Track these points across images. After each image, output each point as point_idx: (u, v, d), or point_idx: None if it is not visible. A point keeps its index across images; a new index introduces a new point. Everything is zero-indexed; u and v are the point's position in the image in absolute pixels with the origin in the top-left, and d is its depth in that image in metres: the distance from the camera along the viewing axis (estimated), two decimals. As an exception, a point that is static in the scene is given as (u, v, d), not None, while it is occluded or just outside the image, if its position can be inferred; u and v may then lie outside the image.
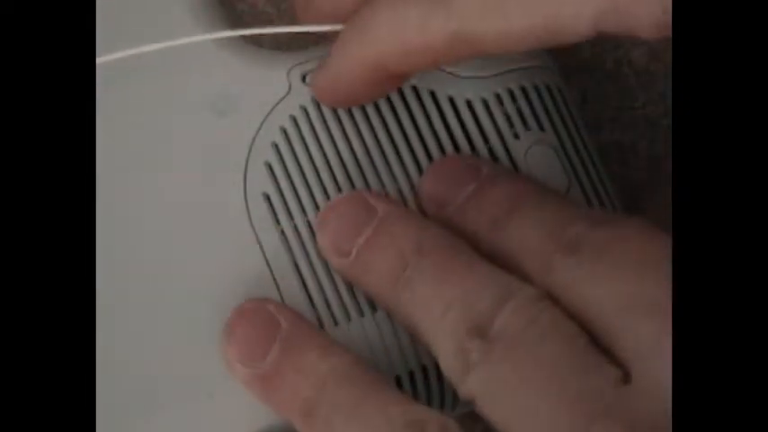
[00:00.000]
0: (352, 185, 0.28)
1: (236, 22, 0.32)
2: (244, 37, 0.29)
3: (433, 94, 0.28)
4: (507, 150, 0.28)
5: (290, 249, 0.28)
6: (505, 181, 0.27)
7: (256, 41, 0.30)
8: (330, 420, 0.25)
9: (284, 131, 0.28)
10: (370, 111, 0.28)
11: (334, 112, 0.28)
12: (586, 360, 0.24)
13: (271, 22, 0.34)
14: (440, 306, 0.25)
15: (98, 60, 0.27)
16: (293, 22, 0.29)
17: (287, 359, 0.26)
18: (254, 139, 0.28)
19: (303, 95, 0.28)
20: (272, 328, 0.26)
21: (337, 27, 0.27)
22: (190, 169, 0.28)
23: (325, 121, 0.28)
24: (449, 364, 0.25)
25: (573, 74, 0.34)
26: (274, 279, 0.28)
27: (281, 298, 0.27)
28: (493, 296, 0.25)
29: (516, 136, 0.28)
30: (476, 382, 0.24)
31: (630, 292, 0.24)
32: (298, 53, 0.29)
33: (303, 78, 0.29)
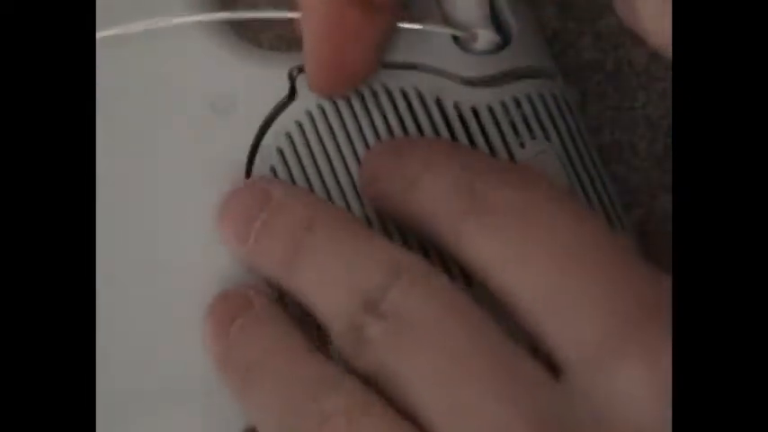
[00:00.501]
0: (356, 192, 0.28)
1: (236, 22, 0.32)
2: (243, 37, 0.29)
3: (438, 102, 0.28)
4: (512, 159, 0.28)
5: None
6: (420, 140, 0.27)
7: (256, 41, 0.30)
8: (315, 262, 0.25)
9: (290, 137, 0.28)
10: (376, 117, 0.28)
11: (340, 118, 0.28)
12: (498, 351, 0.23)
13: (270, 22, 0.34)
14: (331, 283, 0.25)
15: (97, 58, 0.27)
16: (293, 21, 0.29)
17: (275, 218, 0.26)
18: (259, 142, 0.28)
19: (310, 100, 0.28)
20: (264, 200, 0.27)
21: None
22: (189, 169, 0.28)
23: (331, 128, 0.28)
24: (341, 342, 0.24)
25: (573, 74, 0.34)
26: None
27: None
28: (383, 271, 0.24)
29: (522, 145, 0.28)
30: (371, 359, 0.24)
31: (561, 283, 0.23)
32: (298, 53, 0.29)
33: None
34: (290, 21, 0.29)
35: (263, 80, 0.29)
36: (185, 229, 0.28)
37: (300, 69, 0.28)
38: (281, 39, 0.31)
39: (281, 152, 0.28)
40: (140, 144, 0.28)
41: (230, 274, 0.28)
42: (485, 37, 0.29)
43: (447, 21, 0.29)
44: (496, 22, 0.30)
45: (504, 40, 0.30)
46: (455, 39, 0.29)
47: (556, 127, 0.29)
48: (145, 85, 0.29)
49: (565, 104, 0.30)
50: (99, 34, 0.27)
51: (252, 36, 0.30)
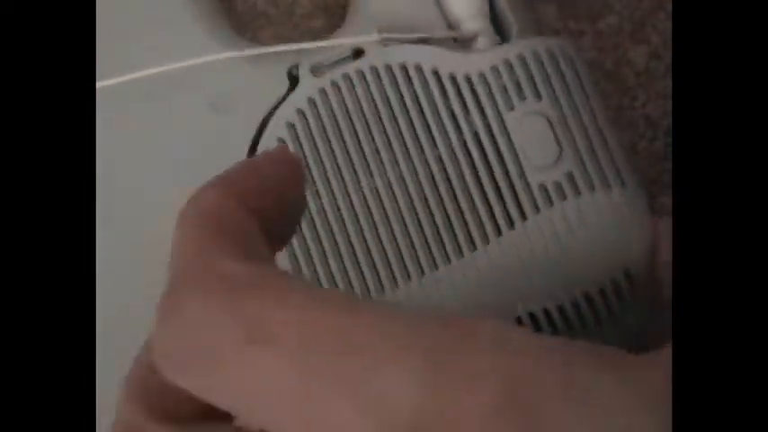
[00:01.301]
0: (355, 172, 0.28)
1: (235, 21, 0.32)
2: (243, 35, 0.29)
3: (435, 73, 0.29)
4: (503, 122, 0.28)
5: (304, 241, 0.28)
6: None
7: (255, 41, 0.30)
8: None
9: (292, 126, 0.28)
10: (375, 93, 0.28)
11: (342, 102, 0.28)
12: None
13: (270, 22, 0.34)
14: None
15: (97, 58, 0.27)
16: (294, 21, 0.29)
17: None
18: (261, 133, 0.28)
19: (311, 88, 0.29)
20: None
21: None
22: (189, 167, 0.28)
23: (332, 112, 0.28)
24: None
25: (573, 73, 0.34)
26: None
27: None
28: None
29: (512, 108, 0.29)
30: None
31: None
32: (296, 52, 0.30)
33: (312, 71, 0.29)
34: (290, 20, 0.29)
35: (262, 79, 0.29)
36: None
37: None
38: (280, 38, 0.32)
39: (282, 142, 0.28)
40: (140, 144, 0.28)
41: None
42: (485, 37, 0.29)
43: (446, 20, 0.30)
44: (496, 22, 0.30)
45: (504, 41, 0.30)
46: (454, 39, 0.29)
47: (549, 85, 0.29)
48: (145, 86, 0.29)
49: (564, 59, 0.29)
50: (99, 37, 0.27)
51: (252, 36, 0.30)
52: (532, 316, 0.27)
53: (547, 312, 0.27)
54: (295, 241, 0.28)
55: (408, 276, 0.28)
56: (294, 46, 0.29)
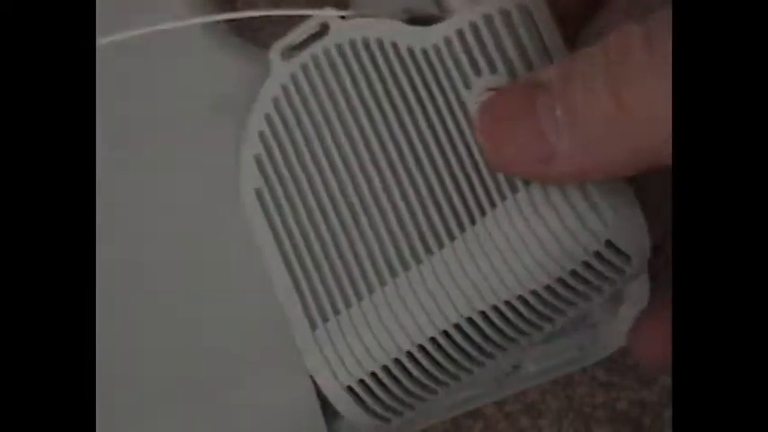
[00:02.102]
0: (328, 159, 0.27)
1: (235, 21, 0.32)
2: (243, 37, 0.29)
3: (395, 46, 0.27)
4: (459, 99, 0.26)
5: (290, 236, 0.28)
6: None
7: (255, 41, 0.30)
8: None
9: (269, 117, 0.28)
10: (341, 71, 0.27)
11: (313, 86, 0.27)
12: None
13: (270, 22, 0.34)
14: None
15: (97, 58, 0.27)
16: (294, 22, 0.29)
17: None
18: (243, 134, 0.28)
19: (284, 74, 0.28)
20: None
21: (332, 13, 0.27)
22: (189, 169, 0.28)
23: (305, 96, 0.27)
24: None
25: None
26: (285, 267, 0.27)
27: (278, 287, 0.27)
28: None
29: (467, 84, 0.26)
30: None
31: None
32: (296, 51, 0.29)
33: (283, 55, 0.28)
34: (290, 20, 0.29)
35: (262, 80, 0.29)
36: (185, 229, 0.28)
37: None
38: (280, 38, 0.31)
39: (261, 135, 0.28)
40: (140, 145, 0.28)
41: (231, 273, 0.28)
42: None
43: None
44: None
45: None
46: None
47: (503, 53, 0.26)
48: (145, 86, 0.29)
49: (523, 20, 0.26)
50: (99, 38, 0.27)
51: (251, 36, 0.30)
52: (522, 299, 0.27)
53: (536, 293, 0.26)
54: (280, 225, 0.27)
55: (395, 272, 0.27)
56: (256, 12, 0.28)
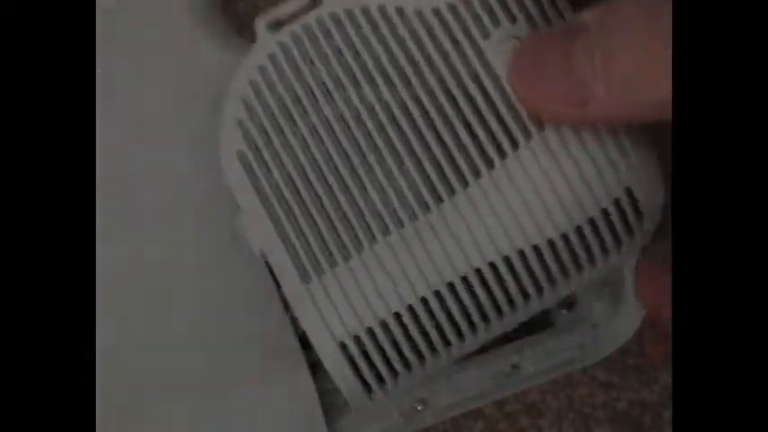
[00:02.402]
0: (328, 122, 0.27)
1: (236, 21, 0.32)
2: (243, 36, 0.29)
3: (400, 11, 0.27)
4: (481, 51, 0.27)
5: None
6: None
7: (255, 39, 0.30)
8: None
9: (254, 83, 0.27)
10: (339, 40, 0.27)
11: (306, 52, 0.27)
12: None
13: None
14: None
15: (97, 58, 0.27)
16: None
17: None
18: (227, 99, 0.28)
19: (270, 43, 0.28)
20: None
21: None
22: (190, 169, 0.28)
23: (296, 63, 0.28)
24: None
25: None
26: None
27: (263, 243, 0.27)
28: None
29: (487, 35, 0.27)
30: None
31: None
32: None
33: (269, 28, 0.28)
34: (290, 21, 0.29)
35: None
36: (185, 228, 0.28)
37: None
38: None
39: (245, 102, 0.27)
40: (140, 144, 0.28)
41: (231, 273, 0.28)
42: None
43: None
44: None
45: None
46: None
47: (522, 4, 0.27)
48: (145, 86, 0.29)
49: None
50: (98, 38, 0.27)
51: (251, 36, 0.30)
52: (536, 248, 0.27)
53: (551, 243, 0.27)
54: (265, 183, 0.27)
55: (400, 223, 0.27)
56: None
